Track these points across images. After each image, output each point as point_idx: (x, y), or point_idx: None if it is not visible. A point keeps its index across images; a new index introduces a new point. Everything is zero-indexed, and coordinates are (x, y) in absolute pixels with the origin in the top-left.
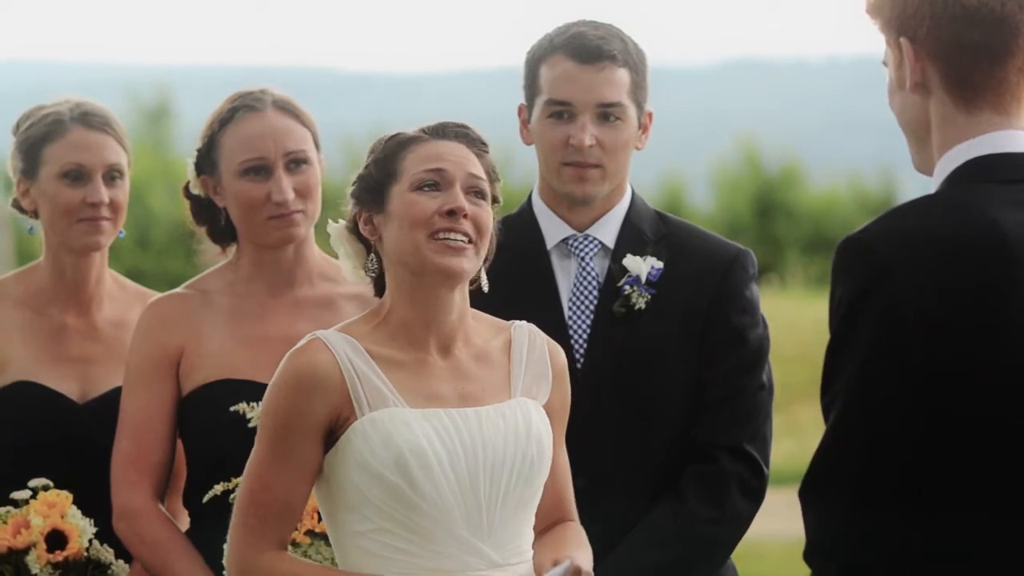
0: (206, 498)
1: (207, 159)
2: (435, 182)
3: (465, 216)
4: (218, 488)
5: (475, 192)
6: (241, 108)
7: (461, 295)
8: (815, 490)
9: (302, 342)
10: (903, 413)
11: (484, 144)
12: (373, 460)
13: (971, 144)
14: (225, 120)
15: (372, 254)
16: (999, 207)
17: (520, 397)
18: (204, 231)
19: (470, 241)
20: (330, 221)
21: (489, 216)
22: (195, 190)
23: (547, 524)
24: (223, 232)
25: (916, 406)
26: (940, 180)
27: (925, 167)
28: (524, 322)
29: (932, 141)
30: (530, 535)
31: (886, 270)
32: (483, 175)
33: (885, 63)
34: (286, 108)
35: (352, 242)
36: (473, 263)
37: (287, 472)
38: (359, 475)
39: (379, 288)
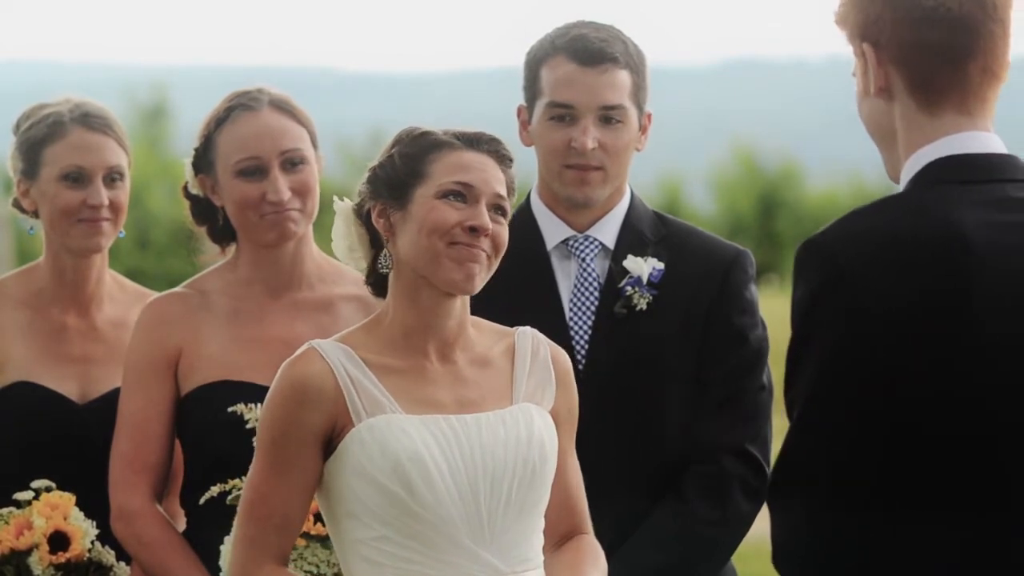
0: (203, 499)
1: (204, 159)
2: (462, 194)
3: (486, 235)
4: (215, 489)
5: (497, 209)
6: (237, 108)
7: (462, 301)
8: (779, 492)
9: (297, 352)
10: (861, 414)
11: (511, 160)
12: (371, 467)
13: (935, 146)
14: (221, 120)
15: (385, 250)
16: (961, 207)
17: (523, 403)
18: (204, 231)
19: (487, 257)
20: (335, 198)
21: (507, 233)
22: (194, 190)
23: (559, 536)
24: (222, 232)
25: (874, 407)
26: (905, 182)
27: (895, 173)
28: (528, 328)
29: (899, 145)
30: (538, 541)
31: (842, 271)
32: (506, 193)
33: (854, 74)
34: (282, 107)
35: (357, 226)
36: (484, 278)
37: (285, 483)
38: (357, 482)
39: (376, 286)
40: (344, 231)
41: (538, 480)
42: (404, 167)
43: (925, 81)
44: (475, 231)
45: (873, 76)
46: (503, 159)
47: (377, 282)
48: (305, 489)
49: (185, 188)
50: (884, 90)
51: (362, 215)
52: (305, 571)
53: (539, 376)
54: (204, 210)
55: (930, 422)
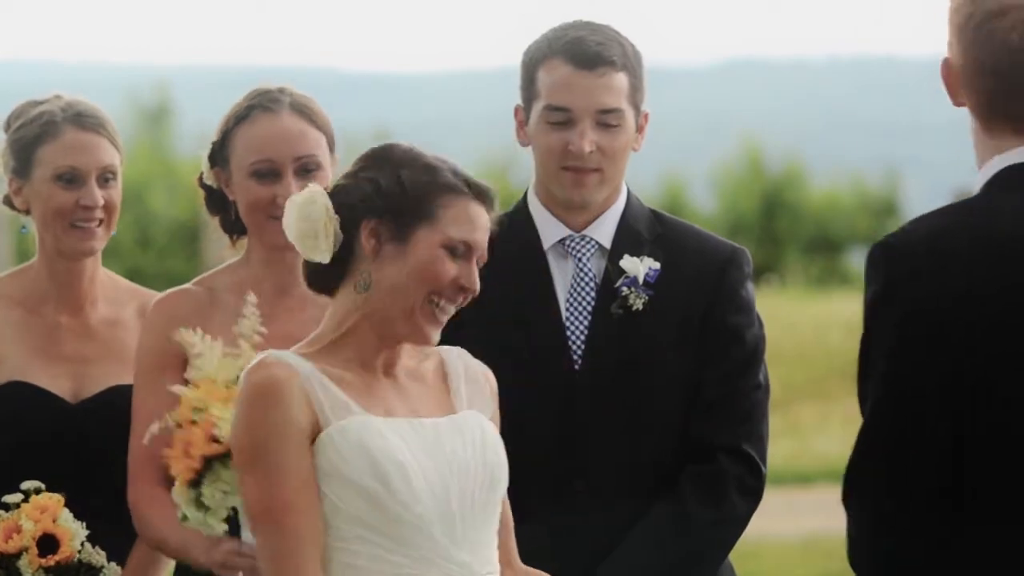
0: None
1: (220, 153)
2: (463, 250)
3: (472, 294)
4: None
5: (479, 260)
6: (257, 107)
7: None
8: (852, 489)
9: (252, 362)
10: (929, 413)
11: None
12: (346, 469)
13: (1007, 155)
14: (241, 117)
15: (368, 272)
16: None
17: (468, 409)
18: (217, 221)
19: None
20: (311, 185)
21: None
22: (208, 181)
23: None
24: (234, 224)
25: (940, 408)
26: (979, 188)
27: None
28: (454, 347)
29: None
30: (496, 545)
31: (910, 272)
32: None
33: None
34: (302, 111)
35: (334, 224)
36: (437, 336)
37: (298, 487)
38: (329, 485)
39: (316, 282)
40: (310, 224)
41: (497, 482)
42: (411, 200)
43: (984, 104)
44: (464, 291)
45: (950, 88)
46: (495, 208)
47: (317, 277)
48: (312, 487)
49: (200, 178)
50: (959, 102)
51: (344, 218)
52: (223, 492)
53: (475, 389)
54: (217, 201)
55: (1001, 422)
